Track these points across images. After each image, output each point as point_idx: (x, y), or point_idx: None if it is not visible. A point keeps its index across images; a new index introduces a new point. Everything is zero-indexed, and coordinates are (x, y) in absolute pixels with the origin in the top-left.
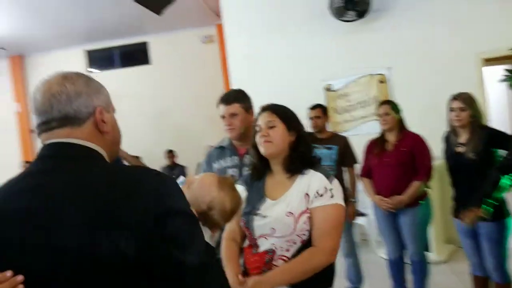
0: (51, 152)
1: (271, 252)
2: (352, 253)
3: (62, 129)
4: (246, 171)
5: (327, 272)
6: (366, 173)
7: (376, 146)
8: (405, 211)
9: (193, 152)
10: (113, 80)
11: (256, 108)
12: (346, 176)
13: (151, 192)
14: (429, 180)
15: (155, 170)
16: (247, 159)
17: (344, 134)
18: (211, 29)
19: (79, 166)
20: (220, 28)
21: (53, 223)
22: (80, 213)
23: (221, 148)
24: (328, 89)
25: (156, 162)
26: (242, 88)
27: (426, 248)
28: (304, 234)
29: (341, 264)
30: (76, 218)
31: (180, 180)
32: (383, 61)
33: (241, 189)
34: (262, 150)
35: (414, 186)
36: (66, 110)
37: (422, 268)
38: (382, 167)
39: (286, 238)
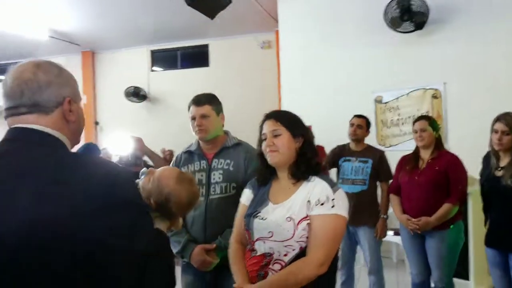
0: (15, 136)
1: (268, 255)
2: (375, 271)
3: (30, 115)
4: (216, 175)
5: (328, 282)
6: (395, 189)
7: (408, 162)
8: (432, 233)
9: None
10: (173, 79)
11: (305, 118)
12: (379, 191)
13: (100, 181)
14: (462, 204)
15: (111, 163)
16: (215, 163)
17: (391, 148)
18: (270, 35)
19: (38, 151)
20: (278, 34)
21: (4, 201)
22: (30, 195)
23: (189, 152)
24: (379, 101)
25: None
26: (292, 95)
27: (452, 275)
28: (303, 241)
29: (365, 281)
30: (24, 199)
31: (143, 170)
32: (438, 76)
33: (248, 193)
34: (268, 159)
35: (444, 209)
36: (36, 98)
37: None
38: (412, 185)
39: (284, 243)
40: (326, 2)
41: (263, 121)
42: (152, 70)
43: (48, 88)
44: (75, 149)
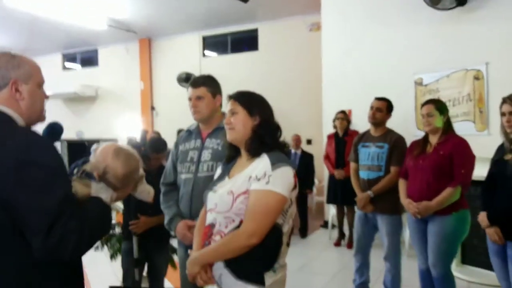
0: None
1: (212, 226)
2: (391, 257)
3: None
4: (206, 153)
5: (265, 255)
6: (404, 174)
7: (416, 147)
8: (434, 218)
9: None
10: (224, 64)
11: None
12: None
13: (17, 146)
14: (466, 189)
15: (36, 134)
16: (208, 142)
17: None
18: (319, 16)
19: None
20: None
21: None
22: None
23: (188, 131)
24: (419, 83)
25: None
26: (333, 78)
27: (449, 264)
28: (242, 214)
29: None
30: None
31: (93, 147)
32: (480, 56)
33: (219, 169)
34: (227, 136)
35: (446, 193)
36: None
37: (443, 286)
38: (417, 170)
39: (224, 215)
40: None
41: (227, 101)
42: (204, 56)
43: None
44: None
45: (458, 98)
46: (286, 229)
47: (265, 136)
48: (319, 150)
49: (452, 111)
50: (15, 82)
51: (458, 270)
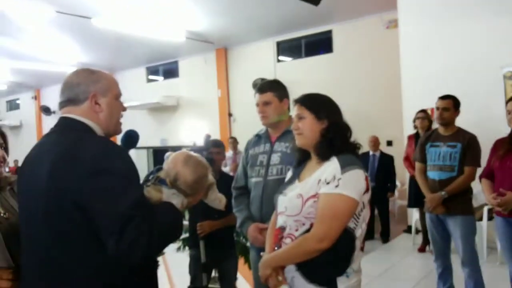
0: (58, 122)
1: (283, 229)
2: (469, 262)
3: (66, 107)
4: (275, 157)
5: (337, 259)
6: (487, 175)
7: (502, 146)
8: None
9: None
10: (298, 68)
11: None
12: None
13: (89, 155)
14: None
15: (108, 141)
16: (277, 146)
17: None
18: (396, 13)
19: (62, 133)
20: None
21: (36, 167)
22: (48, 163)
23: (258, 136)
24: (508, 77)
25: None
26: (412, 74)
27: None
28: (312, 217)
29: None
30: (45, 166)
31: (166, 155)
32: None
33: (289, 173)
34: (296, 141)
35: None
36: (68, 94)
37: None
38: (505, 171)
39: (293, 218)
40: None
41: (294, 105)
42: (278, 61)
43: (77, 87)
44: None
45: None
46: (359, 233)
47: (334, 139)
48: (400, 151)
49: None
50: (94, 96)
51: None
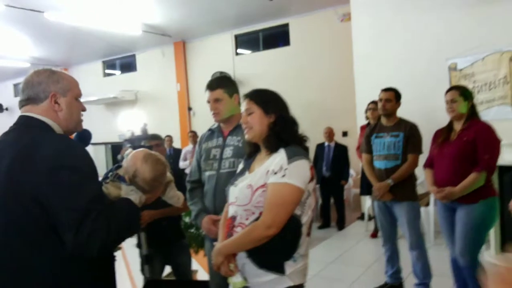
0: (18, 120)
1: (234, 219)
2: (417, 246)
3: (26, 106)
4: (228, 151)
5: (284, 245)
6: (429, 163)
7: (441, 135)
8: (461, 206)
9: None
10: (257, 62)
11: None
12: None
13: (48, 152)
14: (491, 174)
15: (70, 140)
16: (229, 140)
17: None
18: (349, 7)
19: (22, 131)
20: None
21: None
22: (8, 160)
23: (210, 130)
24: (453, 68)
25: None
26: (364, 66)
27: (477, 253)
28: (261, 206)
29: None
30: (5, 162)
31: (126, 153)
32: None
33: (240, 165)
34: (245, 135)
35: (470, 178)
36: (28, 93)
37: (471, 274)
38: (442, 158)
39: (243, 208)
40: None
41: (243, 100)
42: (237, 54)
43: (38, 86)
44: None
45: (494, 82)
46: (305, 220)
47: (282, 133)
48: (355, 141)
49: (488, 95)
50: (54, 95)
51: (498, 258)
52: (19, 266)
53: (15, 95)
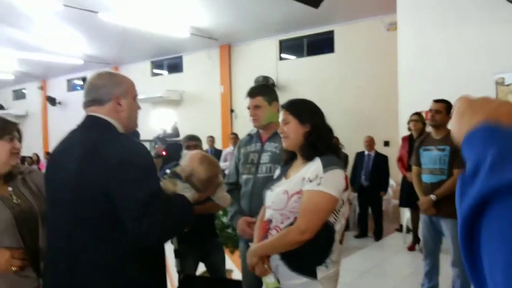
0: (85, 119)
1: (269, 222)
2: (459, 263)
3: (91, 107)
4: (265, 156)
5: (317, 250)
6: None
7: None
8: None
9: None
10: (300, 67)
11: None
12: None
13: (116, 150)
14: None
15: (130, 138)
16: (267, 145)
17: None
18: (396, 16)
19: (90, 129)
20: None
21: (65, 159)
22: (78, 156)
23: (249, 135)
24: (500, 83)
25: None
26: (408, 77)
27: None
28: (296, 212)
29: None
30: (75, 158)
31: (183, 153)
32: None
33: (277, 171)
34: (282, 144)
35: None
36: (93, 95)
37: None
38: None
39: (279, 212)
40: None
41: (281, 110)
42: (281, 59)
43: (101, 88)
44: None
45: None
46: (338, 227)
47: (317, 142)
48: (397, 151)
49: None
50: (117, 98)
51: None
52: (87, 259)
53: (68, 90)
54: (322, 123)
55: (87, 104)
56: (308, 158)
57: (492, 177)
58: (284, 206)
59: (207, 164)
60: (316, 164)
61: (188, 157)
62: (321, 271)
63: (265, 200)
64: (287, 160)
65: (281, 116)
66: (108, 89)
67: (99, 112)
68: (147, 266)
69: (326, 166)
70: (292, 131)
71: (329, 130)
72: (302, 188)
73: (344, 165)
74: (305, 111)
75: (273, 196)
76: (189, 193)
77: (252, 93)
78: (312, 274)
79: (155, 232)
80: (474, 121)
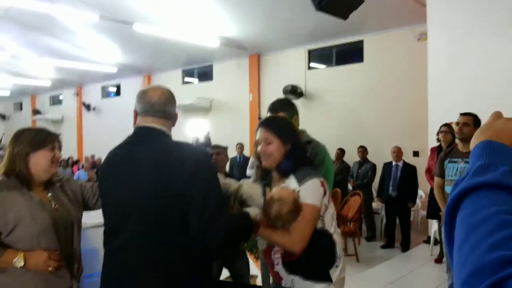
0: (146, 130)
1: None
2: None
3: (154, 119)
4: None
5: (325, 255)
6: None
7: None
8: None
9: (385, 151)
10: (329, 77)
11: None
12: None
13: (190, 159)
14: None
15: (193, 147)
16: None
17: None
18: (426, 26)
19: (156, 139)
20: None
21: (132, 169)
22: (146, 163)
23: None
24: None
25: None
26: (438, 87)
27: None
28: None
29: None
30: (148, 165)
31: (251, 161)
32: None
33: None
34: (263, 162)
35: None
36: (158, 110)
37: None
38: None
39: None
40: None
41: (257, 127)
42: (309, 68)
43: (167, 105)
44: None
45: None
46: (332, 230)
47: (295, 160)
48: (426, 162)
49: None
50: (177, 115)
51: None
52: (153, 247)
53: (102, 97)
54: (299, 141)
55: (148, 114)
56: (285, 175)
57: (470, 180)
58: None
59: (295, 209)
60: (292, 180)
61: (283, 195)
62: (334, 273)
63: None
64: (262, 176)
65: (262, 134)
66: (171, 107)
67: (157, 123)
68: (203, 267)
69: (300, 180)
70: (275, 151)
71: (304, 145)
72: None
73: (372, 175)
74: (285, 130)
75: None
76: (253, 212)
77: (273, 109)
78: (328, 278)
79: (221, 236)
80: (483, 137)
